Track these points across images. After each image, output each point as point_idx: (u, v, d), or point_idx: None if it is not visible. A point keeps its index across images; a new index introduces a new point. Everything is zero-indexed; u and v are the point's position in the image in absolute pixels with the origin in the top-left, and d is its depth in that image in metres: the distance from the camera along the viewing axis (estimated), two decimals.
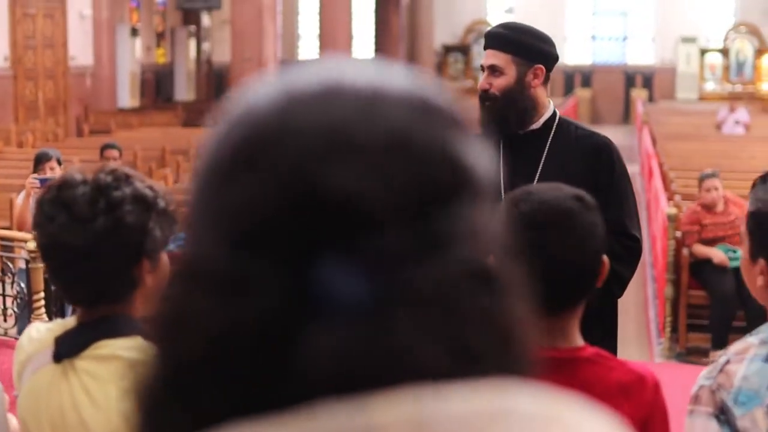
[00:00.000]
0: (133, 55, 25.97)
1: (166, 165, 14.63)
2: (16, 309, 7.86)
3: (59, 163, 8.28)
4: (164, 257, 2.26)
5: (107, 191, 2.22)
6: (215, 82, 30.11)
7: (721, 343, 8.08)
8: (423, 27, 32.87)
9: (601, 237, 2.30)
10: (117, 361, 2.22)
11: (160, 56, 28.71)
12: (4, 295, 8.08)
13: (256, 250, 0.68)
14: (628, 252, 3.83)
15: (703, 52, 33.25)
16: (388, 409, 0.65)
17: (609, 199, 3.81)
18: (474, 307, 0.71)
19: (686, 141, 17.70)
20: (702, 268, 8.90)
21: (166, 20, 29.03)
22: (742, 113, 21.42)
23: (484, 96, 3.90)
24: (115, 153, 9.81)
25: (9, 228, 9.29)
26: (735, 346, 2.34)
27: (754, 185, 2.43)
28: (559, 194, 2.29)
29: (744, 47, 32.98)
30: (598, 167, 3.85)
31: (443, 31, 33.15)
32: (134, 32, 26.38)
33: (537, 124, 3.93)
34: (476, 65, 26.62)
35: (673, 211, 9.29)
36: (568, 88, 33.81)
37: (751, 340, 2.33)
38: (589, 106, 33.26)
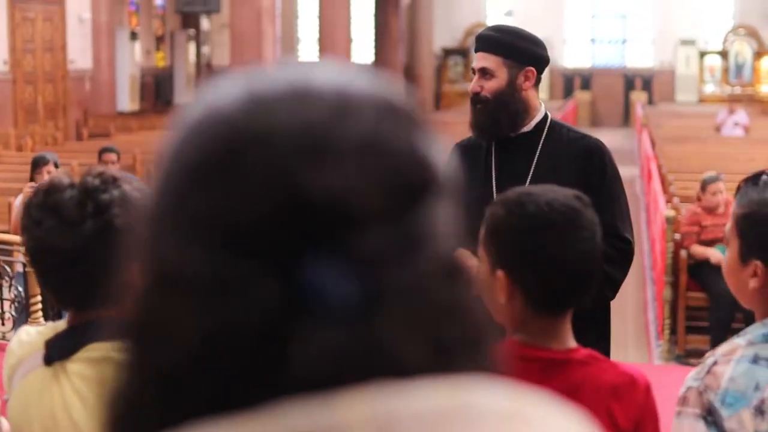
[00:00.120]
0: (132, 58, 25.99)
1: None
2: (13, 312, 7.87)
3: (56, 166, 8.29)
4: None
5: (95, 194, 2.22)
6: None
7: (720, 344, 8.06)
8: (422, 30, 32.87)
9: (601, 236, 2.32)
10: (110, 363, 2.22)
11: (160, 60, 28.73)
12: (1, 299, 8.09)
13: (242, 252, 0.68)
14: (620, 254, 3.82)
15: (703, 54, 33.27)
16: (352, 407, 0.66)
17: (601, 201, 3.79)
18: (449, 302, 0.72)
19: (685, 143, 17.69)
20: (701, 270, 8.90)
21: (166, 24, 29.05)
22: (742, 115, 21.42)
23: (476, 99, 3.90)
24: (113, 156, 9.82)
25: (7, 232, 9.30)
26: (722, 348, 2.34)
27: (739, 187, 2.43)
28: (561, 194, 2.31)
29: (743, 49, 32.99)
30: (590, 170, 3.85)
31: (443, 34, 33.17)
32: (133, 36, 26.39)
33: (528, 127, 3.93)
34: None
35: (671, 213, 9.29)
36: (568, 91, 33.82)
37: (738, 341, 2.33)
38: (588, 109, 33.27)
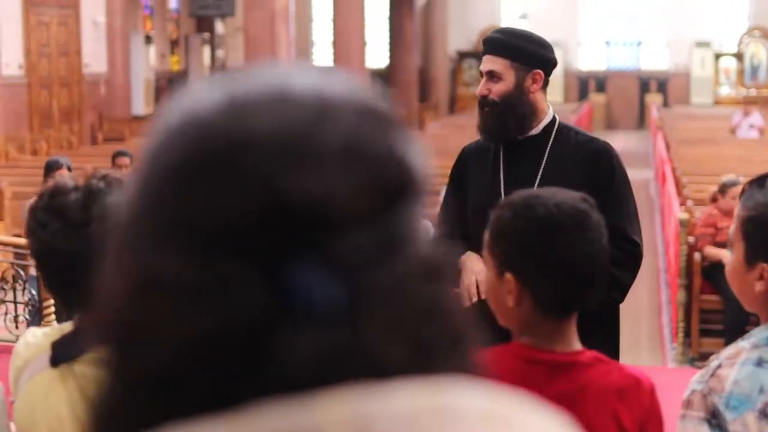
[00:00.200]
0: (147, 62, 26.06)
1: None
2: (27, 316, 7.89)
3: (69, 170, 8.32)
4: None
5: (99, 197, 2.23)
6: None
7: None
8: (437, 33, 32.88)
9: (607, 238, 2.32)
10: None
11: (174, 63, 28.79)
12: (16, 303, 8.12)
13: (223, 256, 0.68)
14: (629, 257, 3.81)
15: (718, 56, 33.19)
16: (332, 407, 0.66)
17: (609, 204, 3.80)
18: (429, 303, 0.73)
19: (700, 146, 17.66)
20: (715, 272, 8.87)
21: (180, 27, 29.10)
22: (757, 117, 21.36)
23: (483, 102, 3.90)
24: (126, 161, 9.85)
25: (21, 236, 9.33)
26: (726, 351, 2.34)
27: (743, 190, 2.42)
28: (569, 196, 2.32)
29: (758, 51, 32.90)
30: (598, 172, 3.84)
31: (457, 37, 33.15)
32: (148, 40, 26.46)
33: (536, 130, 3.92)
34: None
35: (685, 216, 9.26)
36: (583, 94, 33.78)
37: (743, 344, 2.33)
38: (603, 112, 33.23)
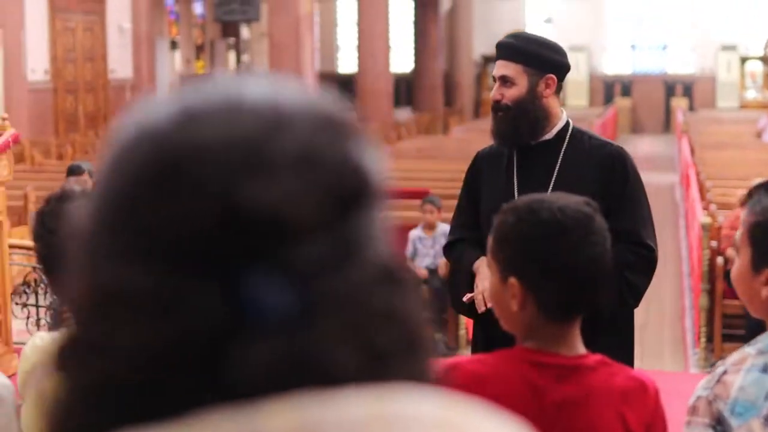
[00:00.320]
0: (172, 67, 26.16)
1: None
2: (49, 320, 7.93)
3: (91, 176, 8.34)
4: None
5: None
6: None
7: None
8: (462, 37, 32.87)
9: (610, 241, 2.33)
10: None
11: (200, 68, 28.88)
12: (38, 306, 8.16)
13: (179, 268, 0.69)
14: (643, 261, 3.80)
15: (744, 60, 33.06)
16: (278, 415, 0.66)
17: (623, 208, 3.79)
18: (386, 309, 0.73)
19: (725, 150, 17.59)
20: None
21: (206, 33, 29.21)
22: None
23: (496, 107, 3.89)
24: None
25: None
26: (732, 357, 2.32)
27: (750, 195, 2.41)
28: (572, 200, 2.33)
29: None
30: (612, 177, 3.83)
31: (482, 41, 33.12)
32: (173, 45, 26.56)
33: (550, 135, 3.91)
34: None
35: (707, 220, 9.22)
36: (608, 98, 33.72)
37: (749, 350, 2.31)
38: (629, 116, 33.15)
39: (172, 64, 26.22)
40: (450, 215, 4.32)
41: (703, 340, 8.98)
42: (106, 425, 0.69)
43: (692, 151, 16.95)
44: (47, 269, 2.35)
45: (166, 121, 0.73)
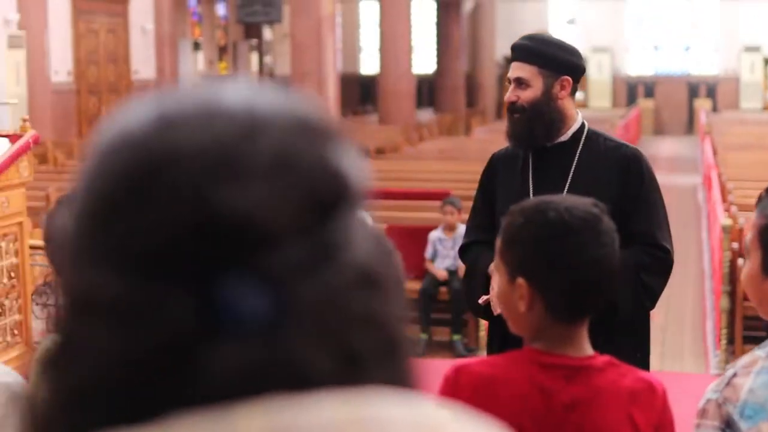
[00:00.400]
0: (195, 68, 26.23)
1: None
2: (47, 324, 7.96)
3: None
4: None
5: None
6: None
7: None
8: (484, 38, 32.84)
9: (618, 242, 2.33)
10: None
11: (222, 70, 28.95)
12: (58, 307, 8.19)
13: (155, 274, 0.69)
14: (659, 263, 3.80)
15: (767, 61, 32.88)
16: (249, 419, 0.67)
17: (639, 210, 3.79)
18: (364, 313, 0.73)
19: (747, 151, 17.51)
20: None
21: (228, 34, 29.28)
22: None
23: (512, 108, 3.90)
24: None
25: None
26: (742, 359, 2.32)
27: (761, 197, 2.40)
28: (580, 201, 2.34)
29: None
30: (627, 179, 3.82)
31: (505, 42, 33.01)
32: (196, 46, 26.64)
33: (565, 136, 3.91)
34: None
35: (728, 222, 9.18)
36: (631, 99, 33.64)
37: (759, 353, 2.31)
38: (652, 117, 33.06)
39: (194, 65, 26.30)
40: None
41: (723, 342, 8.94)
42: (82, 430, 0.70)
43: (714, 153, 16.89)
44: (57, 271, 2.36)
45: (143, 127, 0.73)
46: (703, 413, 2.28)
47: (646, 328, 3.94)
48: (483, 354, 8.29)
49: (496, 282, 3.80)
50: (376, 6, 25.76)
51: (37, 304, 8.06)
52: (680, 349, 9.31)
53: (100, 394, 0.70)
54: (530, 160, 3.93)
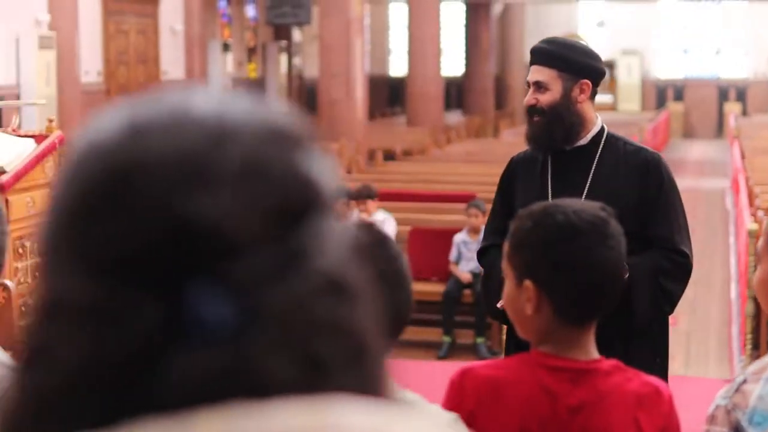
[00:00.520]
0: (224, 69, 26.29)
1: None
2: None
3: None
4: None
5: None
6: (307, 96, 30.35)
7: None
8: (513, 41, 32.80)
9: (625, 246, 2.34)
10: None
11: (252, 71, 29.02)
12: None
13: (123, 280, 0.70)
14: (678, 268, 3.79)
15: None
16: (208, 426, 0.67)
17: (658, 214, 3.79)
18: (329, 319, 0.73)
19: None
20: None
21: (258, 35, 29.34)
22: None
23: (532, 111, 3.90)
24: None
25: None
26: (753, 366, 2.31)
27: None
28: (587, 204, 2.36)
29: None
30: (647, 182, 3.82)
31: (534, 44, 33.01)
32: (226, 47, 26.71)
33: (585, 140, 3.91)
34: None
35: (754, 226, 9.13)
36: (660, 102, 33.51)
37: None
38: (681, 120, 32.92)
39: (224, 66, 26.36)
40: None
41: (748, 347, 8.90)
42: None
43: (742, 156, 16.80)
44: None
45: (113, 136, 0.74)
46: (712, 419, 2.28)
47: (665, 332, 3.93)
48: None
49: None
50: (406, 8, 25.76)
51: None
52: (705, 354, 9.27)
53: (66, 400, 0.70)
54: (549, 163, 3.93)
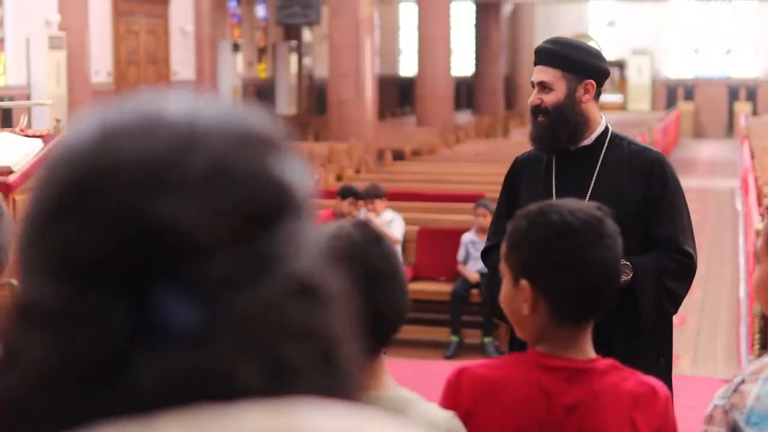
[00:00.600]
0: (234, 70, 26.31)
1: None
2: None
3: None
4: None
5: None
6: (317, 96, 30.37)
7: None
8: (523, 41, 32.78)
9: (621, 246, 2.34)
10: None
11: (262, 71, 29.04)
12: None
13: (92, 283, 0.71)
14: (682, 268, 3.79)
15: None
16: (168, 428, 0.67)
17: (662, 214, 3.78)
18: (298, 323, 0.73)
19: None
20: None
21: (268, 36, 29.36)
22: None
23: (536, 111, 3.90)
24: None
25: None
26: (751, 366, 2.31)
27: None
28: (584, 204, 2.37)
29: None
30: (651, 183, 3.82)
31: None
32: (236, 47, 26.72)
33: (589, 140, 3.91)
34: None
35: (762, 226, 9.10)
36: (671, 102, 33.47)
37: (767, 359, 2.30)
38: (691, 120, 32.87)
39: (234, 66, 26.38)
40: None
41: (756, 347, 8.88)
42: None
43: (752, 156, 16.77)
44: None
45: (85, 140, 0.75)
46: (709, 419, 2.28)
47: (669, 332, 3.93)
48: None
49: None
50: (416, 8, 25.76)
51: None
52: (713, 353, 9.26)
53: (36, 403, 0.71)
54: (554, 163, 3.93)
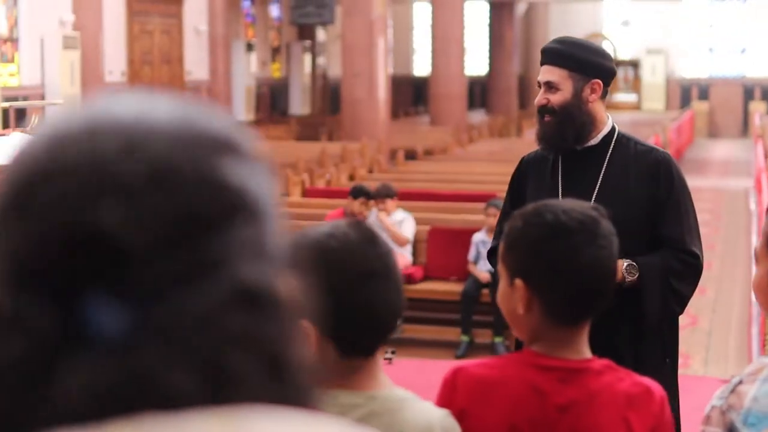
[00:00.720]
0: (248, 69, 26.35)
1: None
2: None
3: None
4: None
5: None
6: (330, 96, 30.38)
7: None
8: (537, 40, 32.71)
9: (617, 246, 2.34)
10: None
11: (275, 71, 29.07)
12: None
13: (25, 288, 0.70)
14: (688, 268, 3.78)
15: None
16: None
17: (668, 214, 3.78)
18: (239, 330, 0.72)
19: None
20: None
21: (282, 35, 29.38)
22: None
23: (542, 111, 3.90)
24: None
25: None
26: (749, 367, 2.31)
27: None
28: (579, 204, 2.37)
29: None
30: (658, 183, 3.81)
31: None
32: (249, 47, 26.76)
33: (595, 140, 3.91)
34: None
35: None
36: (685, 101, 33.40)
37: (766, 360, 2.30)
38: (706, 119, 32.79)
39: (248, 66, 26.41)
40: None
41: (767, 347, 8.87)
42: None
43: (766, 156, 16.72)
44: None
45: (33, 146, 0.75)
46: (707, 420, 2.28)
47: (675, 333, 3.92)
48: None
49: None
50: (429, 8, 25.76)
51: None
52: (724, 353, 9.24)
53: None
54: (560, 163, 3.93)
